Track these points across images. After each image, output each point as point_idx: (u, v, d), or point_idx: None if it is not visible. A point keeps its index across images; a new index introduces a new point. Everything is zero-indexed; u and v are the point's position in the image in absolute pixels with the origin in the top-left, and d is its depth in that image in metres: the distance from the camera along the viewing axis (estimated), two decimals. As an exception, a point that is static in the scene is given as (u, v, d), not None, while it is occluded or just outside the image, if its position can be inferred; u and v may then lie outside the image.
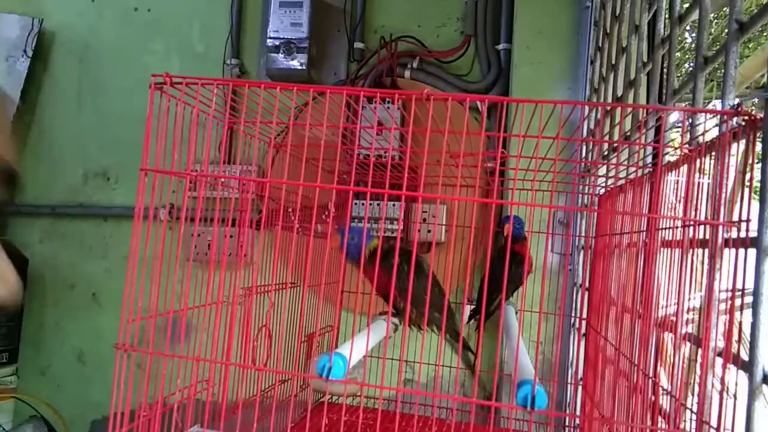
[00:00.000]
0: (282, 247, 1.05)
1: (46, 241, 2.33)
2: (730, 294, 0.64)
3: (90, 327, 2.27)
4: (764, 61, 2.23)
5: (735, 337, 0.66)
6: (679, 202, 0.79)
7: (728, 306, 0.64)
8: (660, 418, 0.80)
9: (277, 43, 1.98)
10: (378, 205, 1.89)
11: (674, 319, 0.77)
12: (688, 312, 0.74)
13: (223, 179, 0.79)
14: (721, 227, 0.63)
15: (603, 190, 1.33)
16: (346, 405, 1.20)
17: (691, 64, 0.83)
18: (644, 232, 0.95)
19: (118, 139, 2.28)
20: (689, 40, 5.29)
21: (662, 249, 0.86)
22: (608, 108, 1.19)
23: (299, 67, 1.98)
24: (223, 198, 0.92)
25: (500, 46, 1.96)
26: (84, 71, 2.36)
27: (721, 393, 0.63)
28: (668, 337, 0.88)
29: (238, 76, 2.20)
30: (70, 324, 2.30)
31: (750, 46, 5.44)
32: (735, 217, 0.65)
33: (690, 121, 0.81)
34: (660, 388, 0.82)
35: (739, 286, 0.62)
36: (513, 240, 1.34)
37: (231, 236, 1.86)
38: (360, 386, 1.05)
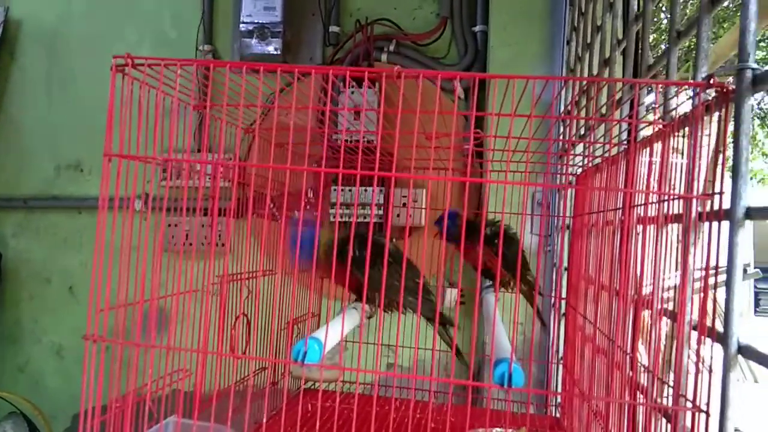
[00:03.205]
0: (256, 235, 1.04)
1: (19, 235, 2.28)
2: (704, 270, 0.64)
3: (68, 321, 2.24)
4: (733, 42, 2.24)
5: (710, 311, 0.67)
6: (654, 180, 0.79)
7: (703, 280, 0.64)
8: (639, 394, 0.81)
9: (251, 28, 1.95)
10: (351, 191, 1.87)
11: (651, 295, 0.77)
12: (664, 290, 0.74)
13: (192, 163, 0.77)
14: (695, 200, 0.63)
15: (579, 170, 1.33)
16: (322, 391, 1.19)
17: (667, 45, 0.82)
18: (620, 210, 0.95)
19: (91, 130, 2.22)
20: (665, 21, 5.32)
21: (638, 226, 0.86)
22: (584, 86, 1.19)
23: (274, 53, 1.95)
24: (192, 186, 0.88)
25: (477, 28, 1.95)
26: (53, 60, 2.30)
27: (696, 365, 0.63)
28: (646, 314, 0.89)
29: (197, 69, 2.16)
30: (47, 319, 2.27)
31: (725, 26, 5.49)
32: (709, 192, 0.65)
33: (663, 95, 0.81)
34: (638, 364, 0.82)
35: (713, 258, 0.62)
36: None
37: (204, 225, 1.84)
38: (339, 371, 1.04)
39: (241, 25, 1.95)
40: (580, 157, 1.24)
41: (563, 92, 1.47)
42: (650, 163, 0.71)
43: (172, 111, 0.75)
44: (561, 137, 1.34)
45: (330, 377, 1.09)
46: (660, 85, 0.69)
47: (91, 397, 0.67)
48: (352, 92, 1.75)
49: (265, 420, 0.80)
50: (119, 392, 0.73)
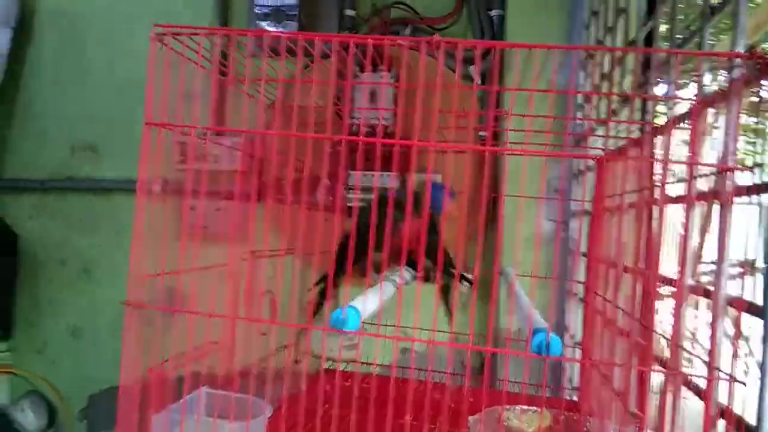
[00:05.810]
0: (278, 219, 1.04)
1: (35, 217, 2.30)
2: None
3: (84, 303, 2.25)
4: (753, 27, 2.24)
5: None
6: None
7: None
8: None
9: (266, 11, 1.94)
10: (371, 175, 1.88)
11: (679, 274, 0.77)
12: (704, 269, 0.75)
13: (225, 132, 0.77)
14: (730, 173, 0.63)
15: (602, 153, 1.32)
16: (342, 371, 1.19)
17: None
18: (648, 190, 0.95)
19: (106, 111, 2.23)
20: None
21: (669, 206, 0.86)
22: (609, 68, 1.19)
23: (290, 36, 1.94)
24: (214, 171, 0.88)
25: (493, 12, 1.94)
26: (68, 41, 2.30)
27: (735, 340, 0.63)
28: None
29: (226, 44, 2.16)
30: (63, 300, 2.28)
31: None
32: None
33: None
34: (664, 339, 0.82)
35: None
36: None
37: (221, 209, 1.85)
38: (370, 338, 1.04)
39: (256, 8, 1.95)
40: (602, 140, 1.23)
41: (584, 72, 1.47)
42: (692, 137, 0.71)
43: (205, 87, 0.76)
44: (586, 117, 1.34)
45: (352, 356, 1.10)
46: (699, 58, 0.69)
47: (131, 363, 0.68)
48: (372, 71, 1.74)
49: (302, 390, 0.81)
50: (156, 361, 0.74)
